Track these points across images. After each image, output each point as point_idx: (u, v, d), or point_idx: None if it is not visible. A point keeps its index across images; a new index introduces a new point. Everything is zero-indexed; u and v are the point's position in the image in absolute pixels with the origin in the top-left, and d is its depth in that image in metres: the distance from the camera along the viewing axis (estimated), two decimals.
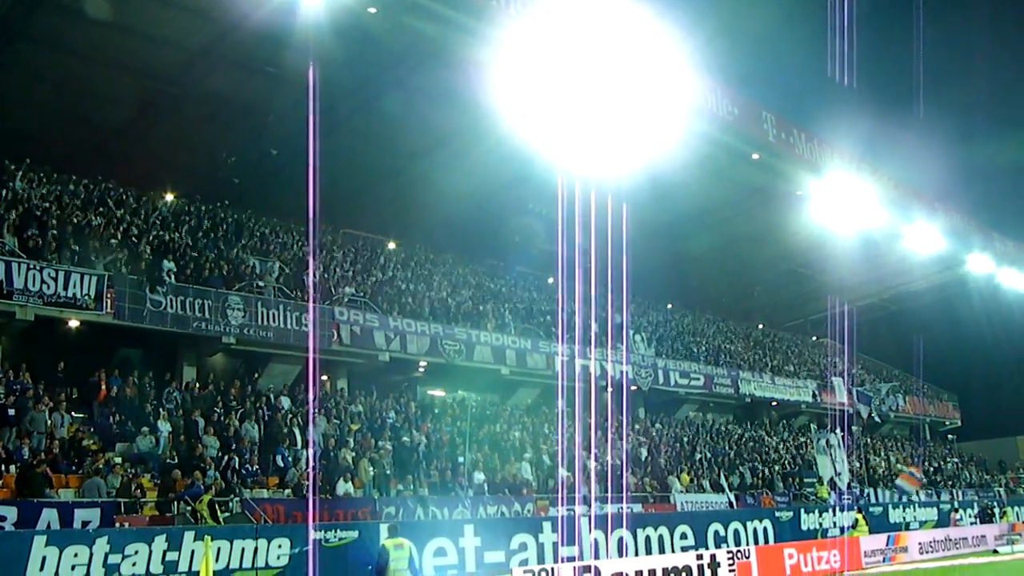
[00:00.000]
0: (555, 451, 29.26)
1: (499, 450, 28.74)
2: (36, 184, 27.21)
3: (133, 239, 26.48)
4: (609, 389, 34.29)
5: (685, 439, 36.93)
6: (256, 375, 27.73)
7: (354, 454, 24.81)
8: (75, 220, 25.71)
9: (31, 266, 22.75)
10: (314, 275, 28.82)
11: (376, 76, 27.69)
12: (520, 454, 28.96)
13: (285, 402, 26.18)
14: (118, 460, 21.08)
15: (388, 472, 24.76)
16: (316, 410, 25.86)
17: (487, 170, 32.25)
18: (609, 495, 27.31)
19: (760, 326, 53.57)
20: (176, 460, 21.94)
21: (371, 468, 24.42)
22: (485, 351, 31.84)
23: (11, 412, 21.09)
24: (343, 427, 26.21)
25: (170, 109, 28.52)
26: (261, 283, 27.79)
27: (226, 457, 22.55)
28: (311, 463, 23.27)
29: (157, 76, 27.20)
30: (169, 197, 31.26)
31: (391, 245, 37.67)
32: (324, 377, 29.37)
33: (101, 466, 20.42)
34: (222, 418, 24.10)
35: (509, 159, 30.63)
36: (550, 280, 40.14)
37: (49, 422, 21.23)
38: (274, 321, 26.62)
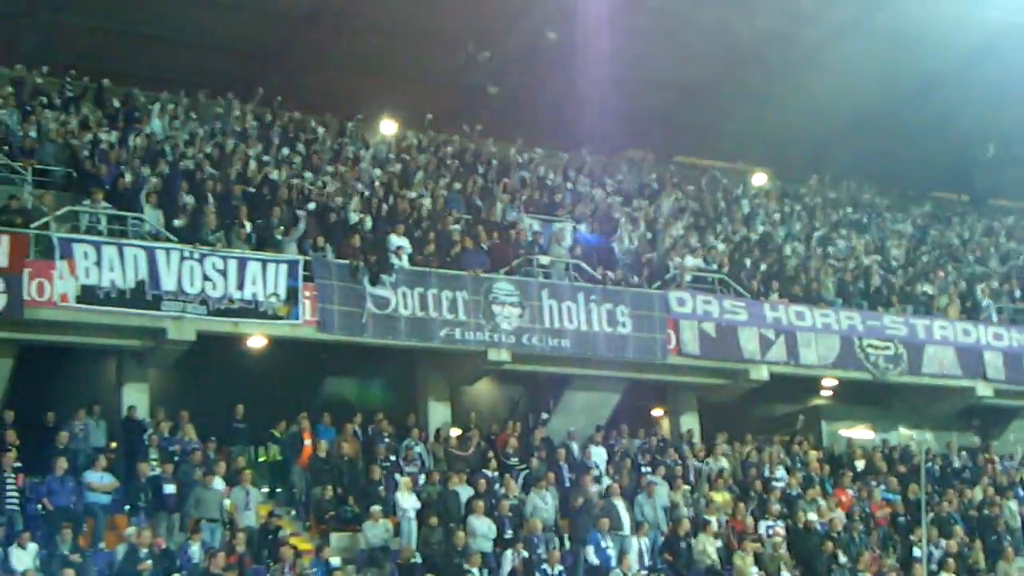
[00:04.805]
0: None
1: (987, 529, 25.90)
2: (181, 122, 27.69)
3: (337, 200, 26.16)
4: None
5: None
6: (545, 412, 26.92)
7: (720, 544, 23.09)
8: (247, 175, 25.79)
9: (186, 254, 22.10)
10: (630, 239, 27.89)
11: None
12: None
13: (596, 455, 25.03)
14: (336, 562, 20.53)
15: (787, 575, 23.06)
16: (647, 467, 24.80)
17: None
18: None
19: None
20: (428, 559, 20.88)
21: (752, 568, 22.75)
22: (944, 355, 28.72)
23: (169, 489, 20.68)
24: (698, 497, 24.47)
25: None
26: (545, 259, 26.61)
27: (510, 551, 21.30)
28: (647, 559, 22.24)
29: None
30: (387, 127, 31.49)
31: (757, 179, 36.39)
32: (658, 411, 28.53)
33: (311, 571, 19.91)
34: (496, 486, 22.99)
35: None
36: None
37: (228, 503, 20.86)
38: (571, 321, 25.24)
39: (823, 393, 29.10)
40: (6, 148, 24.10)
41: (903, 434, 27.66)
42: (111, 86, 28.17)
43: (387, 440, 23.30)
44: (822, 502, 24.69)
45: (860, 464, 27.40)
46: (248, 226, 23.48)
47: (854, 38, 32.83)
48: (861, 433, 29.19)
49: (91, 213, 22.52)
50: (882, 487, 26.17)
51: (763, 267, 29.24)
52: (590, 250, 27.30)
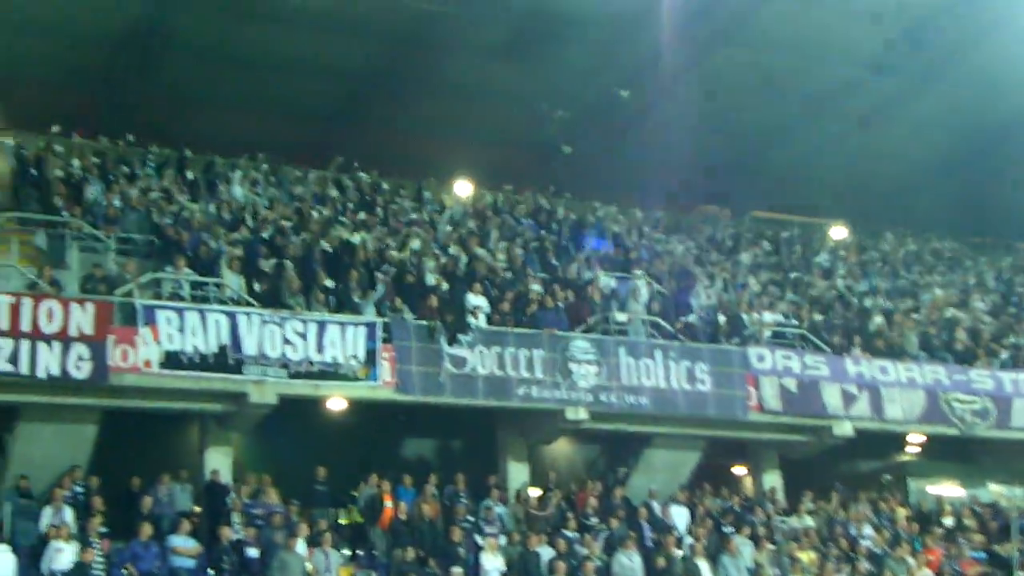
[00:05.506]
0: None
1: None
2: (263, 188, 27.97)
3: (414, 262, 26.36)
4: None
5: None
6: (624, 471, 26.64)
7: None
8: (328, 241, 26.03)
9: (266, 319, 22.24)
10: (707, 294, 27.67)
11: None
12: None
13: (677, 515, 24.70)
14: None
15: None
16: (728, 526, 24.37)
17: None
18: None
19: None
20: None
21: None
22: None
23: (252, 553, 20.75)
24: (782, 558, 23.95)
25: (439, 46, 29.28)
26: (623, 316, 26.25)
27: None
28: None
29: None
30: (462, 189, 31.59)
31: (836, 232, 35.54)
32: (741, 469, 28.07)
33: None
34: (575, 546, 22.77)
35: None
36: None
37: (310, 567, 20.82)
38: (649, 378, 24.89)
39: (909, 449, 28.33)
40: (90, 217, 24.49)
41: (993, 490, 26.68)
42: (192, 155, 28.69)
43: (466, 501, 23.11)
44: (911, 560, 24.03)
45: (949, 521, 26.61)
46: (327, 288, 23.55)
47: (933, 86, 32.51)
48: (949, 489, 28.49)
49: (174, 279, 22.65)
50: (971, 544, 25.39)
51: (844, 321, 28.64)
52: (668, 305, 27.00)
